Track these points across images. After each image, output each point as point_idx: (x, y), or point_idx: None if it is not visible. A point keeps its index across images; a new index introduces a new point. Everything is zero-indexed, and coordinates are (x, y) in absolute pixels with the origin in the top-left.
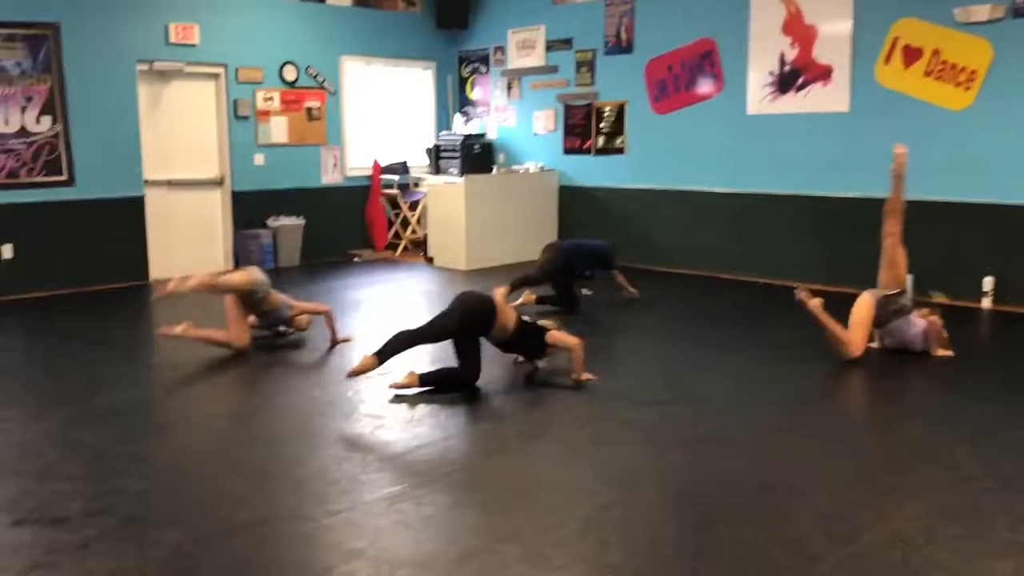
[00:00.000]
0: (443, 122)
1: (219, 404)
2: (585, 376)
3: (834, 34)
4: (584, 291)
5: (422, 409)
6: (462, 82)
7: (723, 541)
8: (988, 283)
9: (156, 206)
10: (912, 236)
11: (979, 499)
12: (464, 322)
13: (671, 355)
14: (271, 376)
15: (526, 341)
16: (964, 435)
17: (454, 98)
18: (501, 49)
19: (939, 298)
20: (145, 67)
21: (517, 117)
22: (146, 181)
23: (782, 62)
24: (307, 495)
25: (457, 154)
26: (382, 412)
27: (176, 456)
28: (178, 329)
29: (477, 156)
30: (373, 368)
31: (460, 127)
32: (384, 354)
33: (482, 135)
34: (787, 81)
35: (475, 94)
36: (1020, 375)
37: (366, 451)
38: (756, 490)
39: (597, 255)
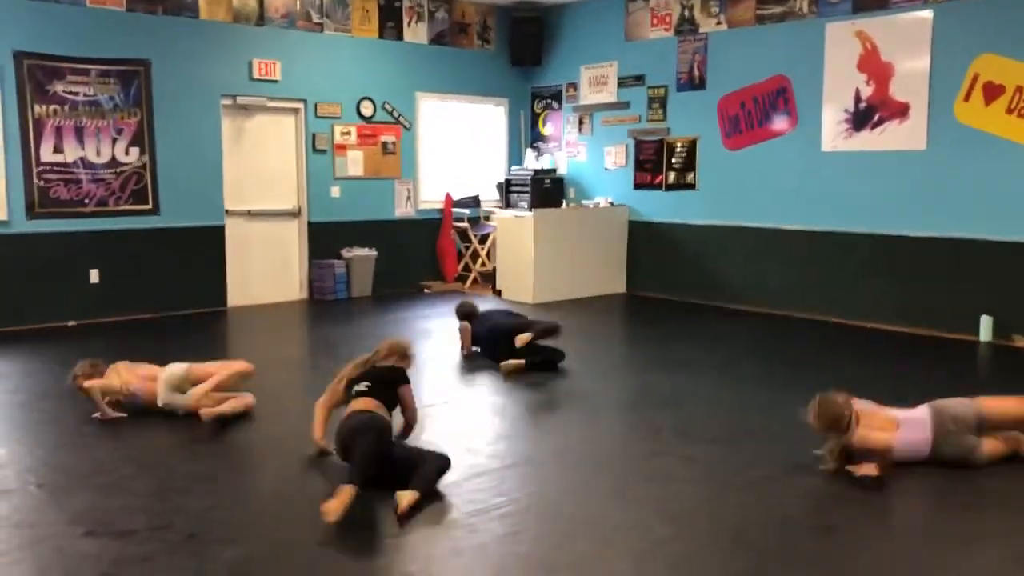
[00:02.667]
0: (515, 157)
1: (287, 427)
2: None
3: (911, 71)
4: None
5: (480, 438)
6: (534, 118)
7: None
8: None
9: (235, 235)
10: (994, 278)
11: None
12: None
13: (735, 393)
14: None
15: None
16: None
17: (526, 133)
18: (574, 85)
19: (1022, 341)
20: (229, 101)
21: (588, 152)
22: (227, 211)
23: (857, 99)
24: (362, 518)
25: (527, 189)
26: (440, 440)
27: (240, 476)
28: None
29: (547, 191)
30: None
31: (531, 162)
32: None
33: (552, 170)
34: (862, 118)
35: (547, 129)
36: None
37: None
38: (815, 534)
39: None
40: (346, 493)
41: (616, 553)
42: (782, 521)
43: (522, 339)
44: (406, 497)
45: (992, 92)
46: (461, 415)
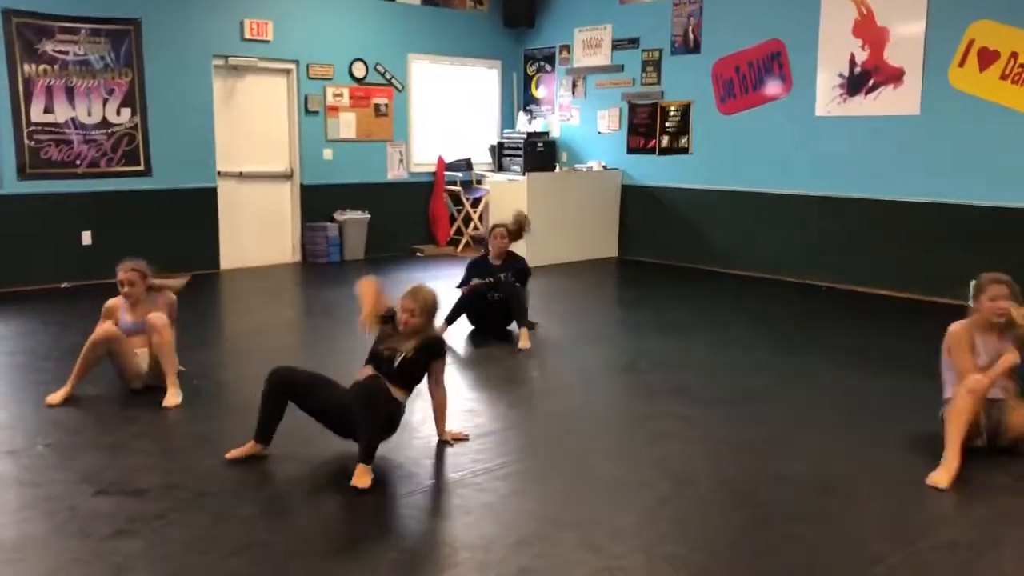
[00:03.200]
0: (507, 120)
1: None
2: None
3: (906, 36)
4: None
5: (480, 401)
6: (527, 80)
7: (780, 539)
8: None
9: (228, 197)
10: (986, 242)
11: None
12: None
13: (729, 356)
14: (336, 359)
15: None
16: None
17: (519, 96)
18: (567, 48)
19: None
20: (220, 62)
21: (581, 116)
22: (219, 173)
23: (852, 64)
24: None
25: (520, 152)
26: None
27: (244, 437)
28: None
29: (540, 154)
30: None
31: (524, 125)
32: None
33: (545, 133)
34: (857, 83)
35: (540, 92)
36: None
37: (427, 438)
38: (815, 492)
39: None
40: (250, 446)
41: (621, 509)
42: (781, 479)
43: (524, 342)
44: None
45: (987, 58)
46: (462, 377)
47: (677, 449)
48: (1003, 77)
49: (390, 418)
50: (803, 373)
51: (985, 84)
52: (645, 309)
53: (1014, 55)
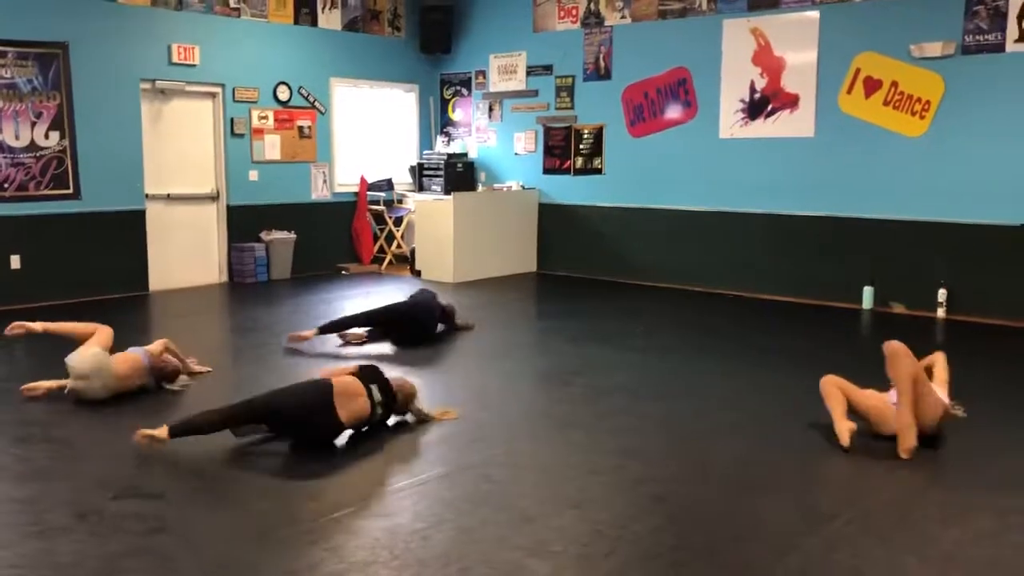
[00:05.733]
0: (425, 142)
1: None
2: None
3: (801, 65)
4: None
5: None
6: (444, 103)
7: (751, 510)
8: (942, 295)
9: (156, 219)
10: (874, 252)
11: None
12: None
13: (657, 359)
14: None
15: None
16: None
17: (436, 119)
18: (483, 73)
19: (898, 308)
20: (148, 85)
21: (498, 138)
22: (147, 195)
23: (752, 90)
24: (376, 470)
25: (440, 172)
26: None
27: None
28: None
29: (460, 174)
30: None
31: (442, 147)
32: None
33: (464, 154)
34: (757, 108)
35: (456, 115)
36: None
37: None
38: (766, 467)
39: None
40: (162, 431)
41: (607, 490)
42: (736, 458)
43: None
44: None
45: (872, 85)
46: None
47: (639, 441)
48: (885, 103)
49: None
50: (720, 370)
51: (870, 109)
52: (566, 320)
53: (895, 83)
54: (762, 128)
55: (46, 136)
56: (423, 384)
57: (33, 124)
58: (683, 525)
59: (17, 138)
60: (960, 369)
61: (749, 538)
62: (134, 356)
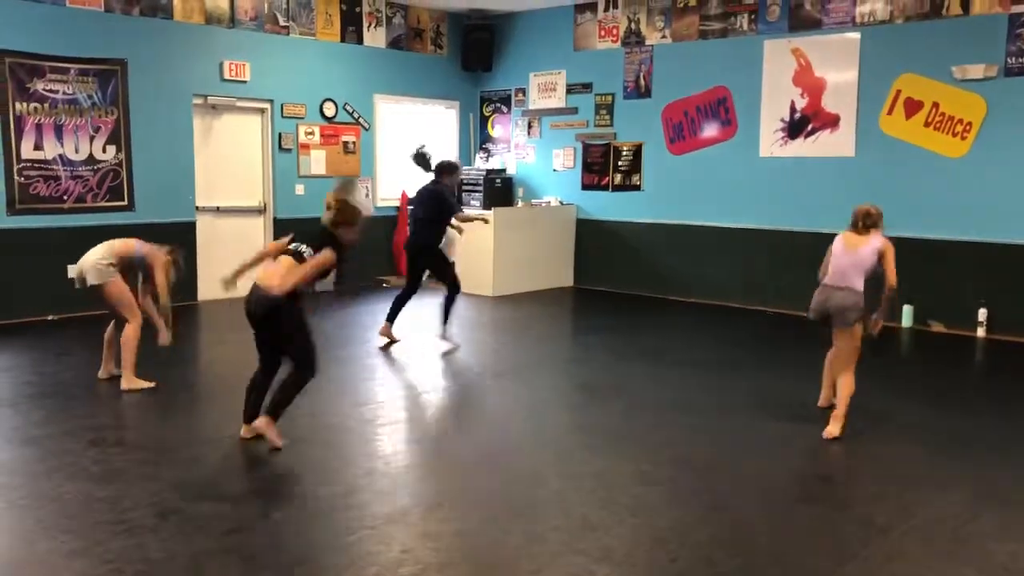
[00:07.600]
0: (465, 157)
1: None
2: None
3: (841, 86)
4: None
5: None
6: (483, 120)
7: (806, 521)
8: (982, 314)
9: (206, 231)
10: (914, 271)
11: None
12: None
13: (690, 375)
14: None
15: None
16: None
17: (475, 135)
18: (523, 91)
19: (937, 327)
20: (200, 101)
21: (536, 154)
22: (197, 207)
23: (792, 110)
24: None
25: (480, 187)
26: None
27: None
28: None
29: (498, 190)
30: None
31: (480, 162)
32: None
33: (503, 170)
34: (797, 127)
35: (496, 132)
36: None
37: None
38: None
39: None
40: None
41: (664, 499)
42: (788, 470)
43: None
44: None
45: (912, 107)
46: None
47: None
48: (927, 124)
49: None
50: (757, 386)
51: (911, 130)
52: (604, 334)
53: (936, 105)
54: (802, 147)
55: (103, 150)
56: (471, 396)
57: (92, 138)
58: (742, 534)
59: (77, 152)
60: (1001, 389)
61: (808, 547)
62: (132, 241)
